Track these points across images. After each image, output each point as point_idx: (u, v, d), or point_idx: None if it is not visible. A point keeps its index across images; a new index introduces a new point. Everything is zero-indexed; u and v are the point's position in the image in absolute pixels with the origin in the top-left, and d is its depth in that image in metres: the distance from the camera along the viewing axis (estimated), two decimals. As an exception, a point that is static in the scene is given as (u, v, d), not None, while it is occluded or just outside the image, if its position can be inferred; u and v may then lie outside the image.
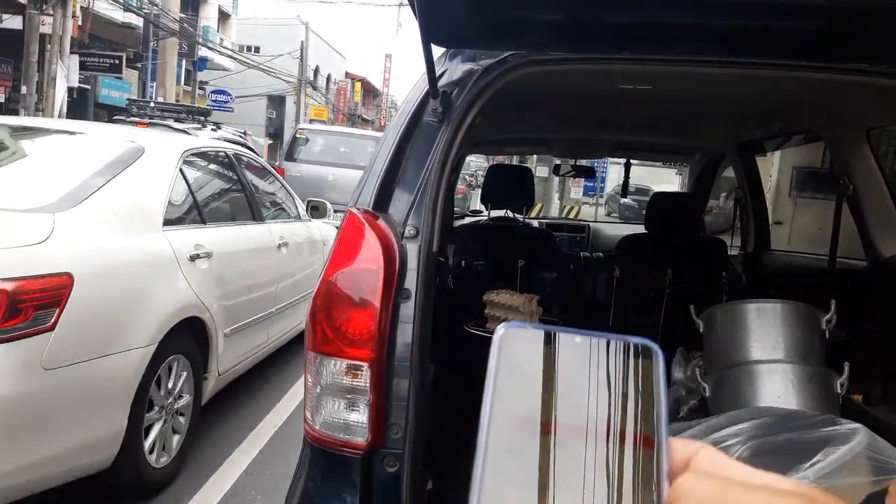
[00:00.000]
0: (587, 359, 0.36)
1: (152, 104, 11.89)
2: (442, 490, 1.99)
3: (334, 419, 1.41)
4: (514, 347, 0.36)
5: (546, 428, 0.34)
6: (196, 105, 15.60)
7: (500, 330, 0.36)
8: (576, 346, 0.36)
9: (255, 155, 5.45)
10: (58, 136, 3.58)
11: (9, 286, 2.17)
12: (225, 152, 4.36)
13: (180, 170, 3.46)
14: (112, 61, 18.53)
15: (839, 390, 2.15)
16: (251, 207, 4.29)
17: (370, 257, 1.39)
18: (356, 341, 1.37)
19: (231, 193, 4.21)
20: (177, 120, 9.75)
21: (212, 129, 9.81)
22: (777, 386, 2.11)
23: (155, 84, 20.15)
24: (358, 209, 1.49)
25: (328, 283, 1.40)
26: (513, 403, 0.34)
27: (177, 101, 20.49)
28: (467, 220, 4.73)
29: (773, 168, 8.18)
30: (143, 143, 3.37)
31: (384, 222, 1.48)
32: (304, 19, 34.05)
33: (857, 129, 2.50)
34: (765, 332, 2.19)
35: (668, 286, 3.09)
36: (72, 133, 3.57)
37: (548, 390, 0.35)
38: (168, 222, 3.18)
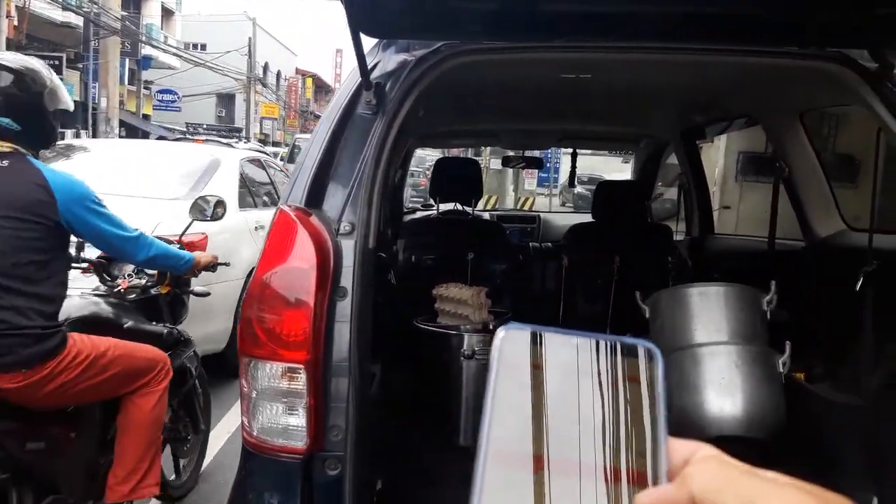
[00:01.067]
0: (583, 360, 0.36)
1: (205, 126, 16.36)
2: (393, 488, 1.96)
3: (272, 424, 1.37)
4: (511, 350, 0.36)
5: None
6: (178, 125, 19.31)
7: (501, 333, 0.36)
8: (572, 348, 0.36)
9: (273, 159, 7.81)
10: (162, 151, 5.88)
11: (185, 239, 3.66)
12: (258, 158, 6.28)
13: (240, 171, 5.25)
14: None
15: (782, 369, 2.19)
16: (278, 196, 5.62)
17: (303, 255, 1.35)
18: (291, 343, 1.33)
19: (266, 186, 5.96)
20: (220, 136, 13.66)
21: (245, 141, 13.63)
22: (721, 367, 2.14)
23: (98, 85, 19.53)
24: (289, 206, 1.45)
25: (260, 284, 1.36)
26: (511, 406, 0.35)
27: (121, 102, 20.12)
28: (418, 214, 4.70)
29: (719, 153, 8.32)
30: (218, 155, 5.27)
31: (317, 219, 1.44)
32: (250, 15, 33.44)
33: (790, 113, 2.54)
34: (708, 314, 2.22)
35: (617, 273, 3.11)
36: (171, 149, 6.24)
37: (539, 395, 0.35)
38: (240, 206, 4.96)
